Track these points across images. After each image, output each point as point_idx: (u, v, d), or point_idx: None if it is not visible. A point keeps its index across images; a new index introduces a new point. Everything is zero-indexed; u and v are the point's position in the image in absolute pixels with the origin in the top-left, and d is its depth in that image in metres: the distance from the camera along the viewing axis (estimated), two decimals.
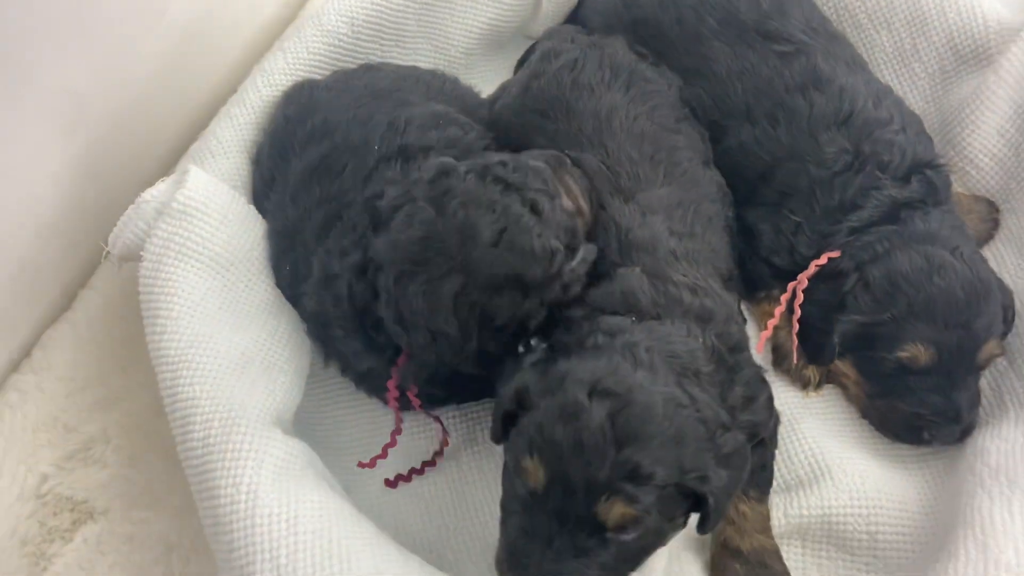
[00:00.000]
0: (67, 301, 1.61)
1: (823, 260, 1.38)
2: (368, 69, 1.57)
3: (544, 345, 1.17)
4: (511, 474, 1.05)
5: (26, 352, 1.56)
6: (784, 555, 1.26)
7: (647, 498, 0.96)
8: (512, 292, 1.13)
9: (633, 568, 1.04)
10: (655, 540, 1.03)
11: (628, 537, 0.98)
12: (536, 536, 0.98)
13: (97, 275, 1.64)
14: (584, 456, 0.95)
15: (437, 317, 1.14)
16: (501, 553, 1.04)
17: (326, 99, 1.47)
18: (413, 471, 1.34)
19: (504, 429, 1.09)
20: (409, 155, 1.33)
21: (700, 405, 1.04)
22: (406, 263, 1.14)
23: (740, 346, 1.20)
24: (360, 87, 1.48)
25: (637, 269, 1.22)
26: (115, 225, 1.41)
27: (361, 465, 1.32)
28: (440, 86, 1.56)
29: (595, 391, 0.99)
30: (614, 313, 1.17)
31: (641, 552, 1.03)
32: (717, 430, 1.04)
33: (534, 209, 1.16)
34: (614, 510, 0.96)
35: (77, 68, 1.46)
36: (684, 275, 1.23)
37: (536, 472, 0.98)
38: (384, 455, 1.31)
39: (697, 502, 1.02)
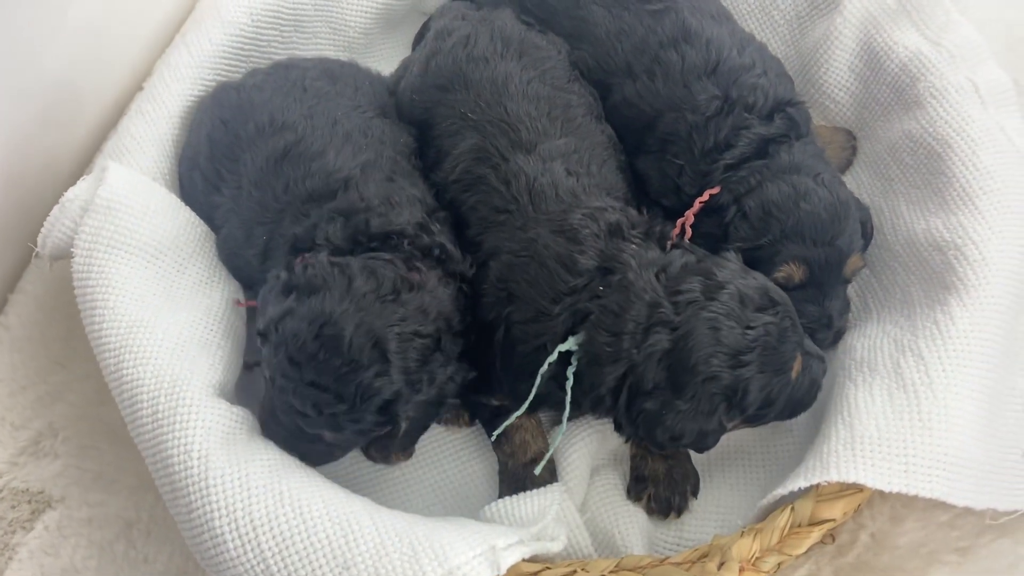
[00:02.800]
0: None
1: (705, 197, 1.50)
2: (287, 68, 1.63)
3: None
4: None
5: None
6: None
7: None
8: None
9: None
10: None
11: None
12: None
13: (25, 278, 1.68)
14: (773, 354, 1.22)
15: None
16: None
17: (261, 99, 1.54)
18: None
19: None
20: (399, 171, 1.46)
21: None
22: None
23: (663, 231, 1.36)
24: (294, 85, 1.56)
25: (542, 232, 1.34)
26: (40, 227, 1.46)
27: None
28: (356, 81, 1.64)
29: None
30: (572, 291, 1.28)
31: None
32: None
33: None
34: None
35: None
36: (583, 210, 1.36)
37: (799, 364, 1.24)
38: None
39: None
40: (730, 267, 1.27)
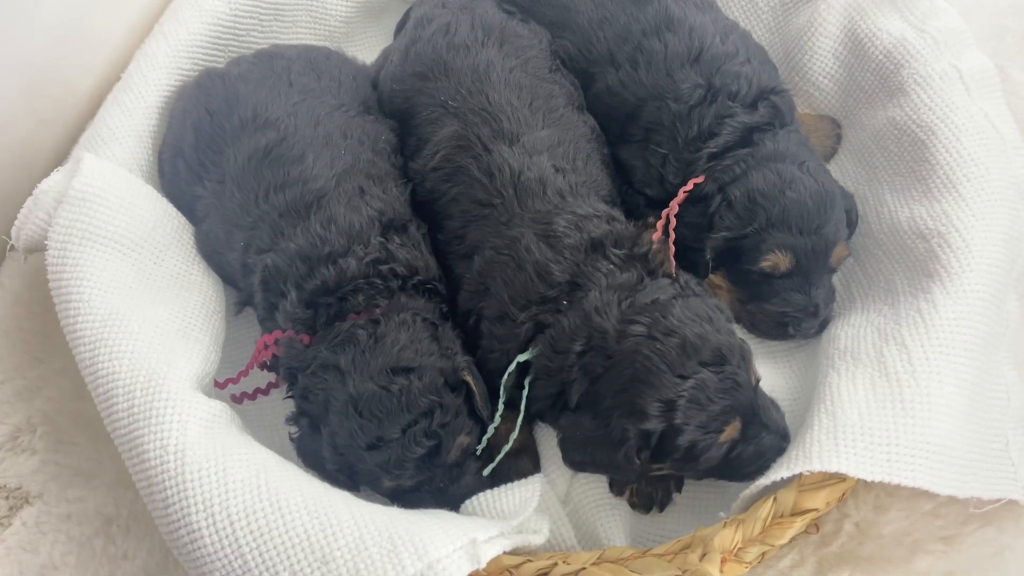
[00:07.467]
0: None
1: (690, 186, 1.49)
2: (272, 57, 1.61)
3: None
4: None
5: None
6: None
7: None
8: None
9: None
10: None
11: None
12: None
13: (2, 272, 1.66)
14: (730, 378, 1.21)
15: None
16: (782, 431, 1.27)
17: (246, 91, 1.52)
18: (257, 391, 1.44)
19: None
20: (375, 175, 1.48)
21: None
22: None
23: (649, 252, 1.35)
24: (279, 78, 1.55)
25: (527, 232, 1.34)
26: (14, 219, 1.44)
27: (216, 384, 1.41)
28: (341, 76, 1.62)
29: (660, 335, 1.20)
30: (542, 302, 1.29)
31: None
32: None
33: None
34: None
35: None
36: (569, 213, 1.36)
37: (734, 428, 1.21)
38: (236, 381, 1.40)
39: None
40: (701, 312, 1.23)
